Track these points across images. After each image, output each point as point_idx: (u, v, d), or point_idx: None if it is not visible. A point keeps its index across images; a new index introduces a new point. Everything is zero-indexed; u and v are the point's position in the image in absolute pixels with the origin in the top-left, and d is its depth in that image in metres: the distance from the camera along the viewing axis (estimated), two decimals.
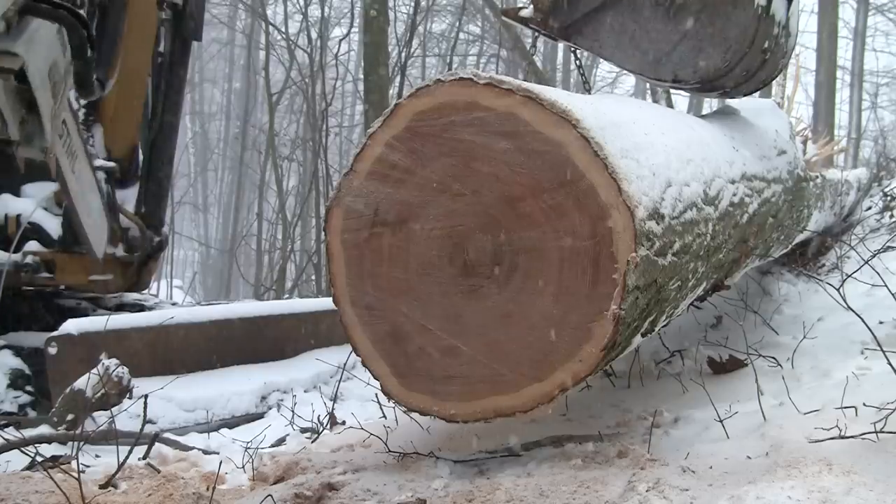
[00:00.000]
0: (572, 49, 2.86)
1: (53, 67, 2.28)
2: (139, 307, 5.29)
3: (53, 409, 3.15)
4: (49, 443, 2.75)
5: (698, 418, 2.08)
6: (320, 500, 1.66)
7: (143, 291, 5.71)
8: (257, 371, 4.40)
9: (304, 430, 2.98)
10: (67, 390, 3.13)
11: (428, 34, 16.86)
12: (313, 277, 13.13)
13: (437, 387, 1.72)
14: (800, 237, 3.48)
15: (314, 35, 13.80)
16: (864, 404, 1.79)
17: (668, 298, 1.82)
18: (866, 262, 2.96)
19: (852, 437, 1.64)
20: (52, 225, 4.61)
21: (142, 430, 2.41)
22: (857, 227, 4.46)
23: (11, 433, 2.81)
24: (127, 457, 2.11)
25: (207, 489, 1.90)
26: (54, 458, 2.21)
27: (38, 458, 2.13)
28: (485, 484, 1.62)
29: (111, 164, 4.52)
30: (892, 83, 20.52)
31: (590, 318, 1.57)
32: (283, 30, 14.89)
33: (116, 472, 1.98)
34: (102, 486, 1.90)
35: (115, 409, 3.01)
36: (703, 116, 3.01)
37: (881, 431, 1.62)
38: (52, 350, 3.55)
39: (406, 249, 1.73)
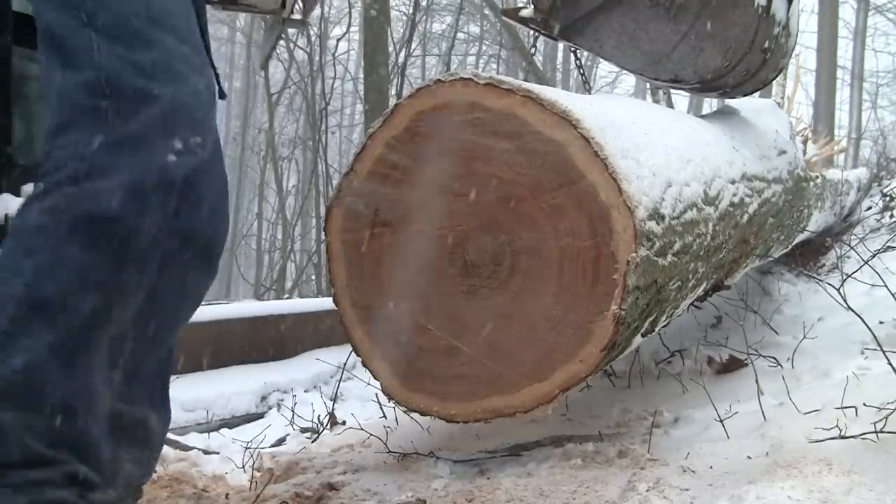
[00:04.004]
0: (572, 49, 2.86)
1: None
2: None
3: None
4: None
5: (698, 418, 2.07)
6: (320, 500, 1.66)
7: None
8: (257, 371, 4.41)
9: (304, 430, 2.98)
10: None
11: (428, 34, 16.86)
12: (313, 277, 13.13)
13: (437, 387, 1.72)
14: (800, 237, 3.48)
15: (313, 34, 13.80)
16: (864, 404, 1.79)
17: (669, 298, 1.82)
18: (866, 262, 2.96)
19: (852, 437, 1.63)
20: None
21: None
22: (857, 227, 4.46)
23: None
24: None
25: (206, 490, 1.90)
26: None
27: None
28: (485, 484, 1.62)
29: None
30: (893, 83, 20.55)
31: (590, 318, 1.57)
32: None
33: None
34: None
35: None
36: (703, 116, 3.01)
37: (881, 431, 1.62)
38: None
39: (406, 250, 1.73)
